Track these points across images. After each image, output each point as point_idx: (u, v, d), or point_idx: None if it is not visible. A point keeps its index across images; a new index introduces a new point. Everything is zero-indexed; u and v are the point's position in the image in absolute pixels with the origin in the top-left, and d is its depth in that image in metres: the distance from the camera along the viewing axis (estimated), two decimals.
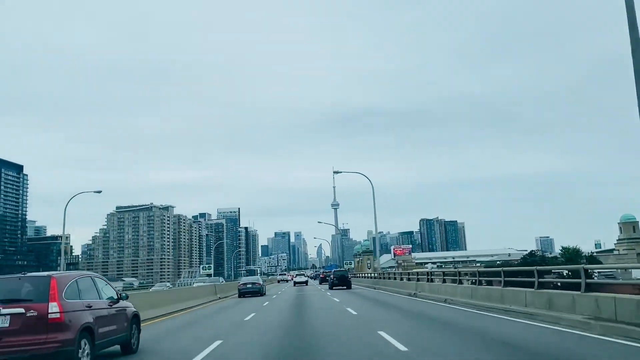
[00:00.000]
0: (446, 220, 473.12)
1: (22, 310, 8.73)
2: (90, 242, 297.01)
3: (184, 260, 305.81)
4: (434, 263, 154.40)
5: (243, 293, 40.43)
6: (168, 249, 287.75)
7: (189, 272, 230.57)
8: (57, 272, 10.85)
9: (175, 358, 11.30)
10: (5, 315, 8.63)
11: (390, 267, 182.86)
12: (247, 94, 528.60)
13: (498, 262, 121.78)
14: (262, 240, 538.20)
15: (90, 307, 9.94)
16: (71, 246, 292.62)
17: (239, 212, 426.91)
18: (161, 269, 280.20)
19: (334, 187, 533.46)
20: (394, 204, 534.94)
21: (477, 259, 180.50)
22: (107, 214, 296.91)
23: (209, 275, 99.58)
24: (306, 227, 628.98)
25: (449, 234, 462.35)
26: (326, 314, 20.57)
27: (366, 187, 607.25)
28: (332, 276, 52.09)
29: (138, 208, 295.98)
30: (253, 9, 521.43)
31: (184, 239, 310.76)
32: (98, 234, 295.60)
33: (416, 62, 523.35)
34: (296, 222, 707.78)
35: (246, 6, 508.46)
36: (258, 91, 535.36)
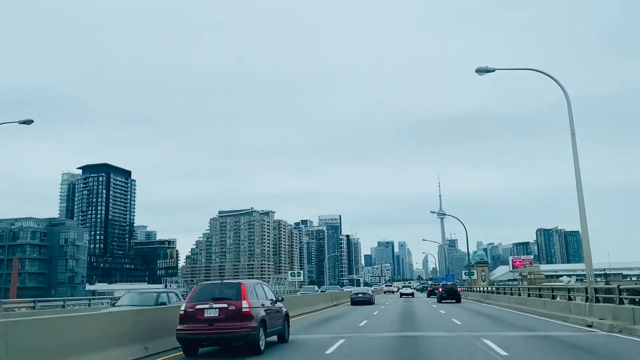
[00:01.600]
0: (566, 230, 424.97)
1: (225, 305, 12.84)
2: (194, 247, 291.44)
3: (285, 266, 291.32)
4: (569, 276, 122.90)
5: (355, 302, 44.03)
6: (268, 254, 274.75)
7: (276, 278, 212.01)
8: (244, 280, 15.09)
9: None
10: (215, 308, 12.79)
11: (508, 280, 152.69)
12: (350, 102, 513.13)
13: None
14: (365, 250, 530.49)
15: (263, 305, 13.89)
16: (177, 251, 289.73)
17: (340, 219, 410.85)
18: (262, 274, 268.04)
19: (439, 195, 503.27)
20: (507, 213, 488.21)
21: (623, 272, 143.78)
22: (210, 219, 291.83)
23: (301, 282, 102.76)
24: (410, 237, 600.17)
25: (570, 245, 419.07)
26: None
27: (472, 196, 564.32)
28: (440, 289, 49.69)
29: (239, 213, 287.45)
30: (350, 13, 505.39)
31: (284, 244, 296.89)
32: (201, 239, 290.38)
33: (526, 62, 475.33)
34: (400, 231, 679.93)
35: (343, 11, 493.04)
36: (361, 98, 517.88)
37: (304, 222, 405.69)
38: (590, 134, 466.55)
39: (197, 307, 12.76)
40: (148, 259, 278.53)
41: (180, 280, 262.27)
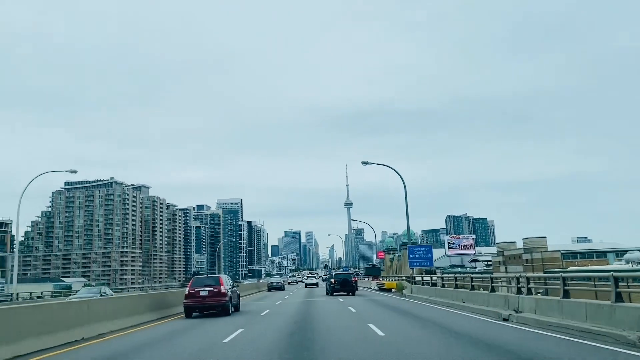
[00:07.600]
0: (474, 217, 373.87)
1: (212, 288, 24.39)
2: (30, 230, 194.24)
3: (160, 255, 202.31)
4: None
5: (270, 288, 61.35)
6: (134, 240, 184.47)
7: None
8: (221, 274, 27.67)
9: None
10: (206, 290, 24.05)
11: (450, 265, 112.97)
12: (258, 92, 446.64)
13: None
14: (273, 241, 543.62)
15: (230, 288, 26.59)
16: (12, 235, 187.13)
17: (241, 203, 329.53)
18: (122, 266, 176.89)
19: (347, 185, 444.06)
20: (411, 203, 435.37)
21: None
22: (52, 192, 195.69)
23: None
24: (318, 227, 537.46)
25: (478, 231, 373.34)
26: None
27: (381, 188, 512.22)
28: (332, 280, 45.49)
29: (94, 184, 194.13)
30: (266, 6, 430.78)
31: (160, 228, 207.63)
32: (40, 219, 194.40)
33: (433, 60, 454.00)
34: (309, 222, 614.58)
35: (259, 3, 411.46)
36: (270, 89, 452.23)
37: (200, 206, 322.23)
38: (492, 131, 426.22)
39: (196, 289, 23.64)
40: None
41: (8, 275, 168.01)
